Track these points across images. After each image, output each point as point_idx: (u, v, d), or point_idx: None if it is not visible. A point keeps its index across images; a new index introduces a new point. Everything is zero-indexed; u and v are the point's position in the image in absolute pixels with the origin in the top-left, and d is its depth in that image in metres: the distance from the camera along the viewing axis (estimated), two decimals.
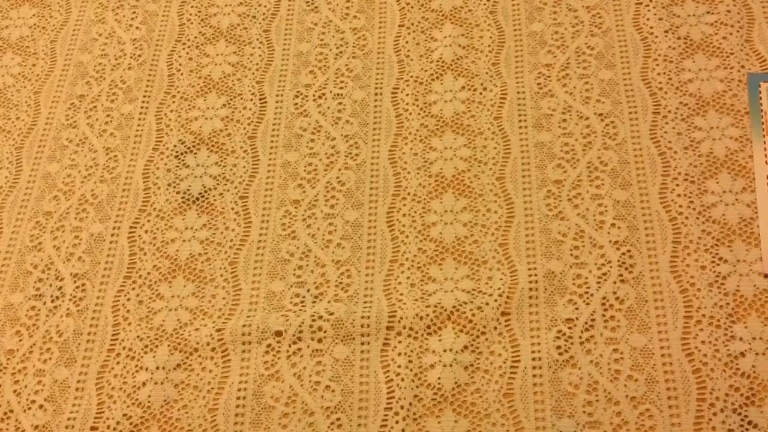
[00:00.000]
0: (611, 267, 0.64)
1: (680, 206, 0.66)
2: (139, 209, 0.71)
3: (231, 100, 0.77)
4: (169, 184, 0.72)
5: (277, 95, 0.76)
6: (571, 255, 0.65)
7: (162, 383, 0.62)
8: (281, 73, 0.78)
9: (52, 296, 0.67)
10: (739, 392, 0.58)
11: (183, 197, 0.71)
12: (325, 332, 0.63)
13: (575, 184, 0.68)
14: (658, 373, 0.59)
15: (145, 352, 0.64)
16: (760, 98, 0.70)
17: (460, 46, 0.77)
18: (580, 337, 0.61)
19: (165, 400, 0.61)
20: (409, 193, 0.70)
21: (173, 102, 0.77)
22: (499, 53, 0.76)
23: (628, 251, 0.64)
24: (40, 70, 0.80)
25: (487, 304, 0.63)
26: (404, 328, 0.63)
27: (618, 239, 0.65)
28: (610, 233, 0.65)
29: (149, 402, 0.61)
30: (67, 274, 0.68)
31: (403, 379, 0.61)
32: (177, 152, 0.74)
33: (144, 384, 0.62)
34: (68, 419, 0.61)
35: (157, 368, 0.63)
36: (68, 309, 0.66)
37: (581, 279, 0.63)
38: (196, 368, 0.63)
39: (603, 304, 0.62)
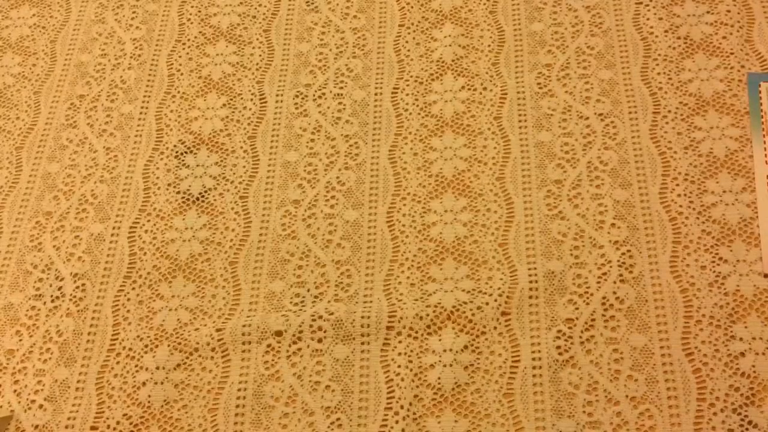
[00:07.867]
0: (611, 267, 0.64)
1: (680, 206, 0.66)
2: (139, 209, 0.71)
3: (231, 100, 0.77)
4: (169, 184, 0.72)
5: (277, 95, 0.76)
6: (571, 255, 0.65)
7: (162, 383, 0.62)
8: (281, 73, 0.78)
9: (52, 296, 0.67)
10: (739, 392, 0.58)
11: (183, 197, 0.71)
12: (325, 332, 0.63)
13: (575, 183, 0.68)
14: (658, 373, 0.59)
15: (145, 352, 0.64)
16: (760, 98, 0.70)
17: (460, 46, 0.77)
18: (580, 337, 0.61)
19: (165, 400, 0.61)
20: (409, 193, 0.70)
21: (173, 102, 0.77)
22: (499, 53, 0.76)
23: (628, 251, 0.64)
24: (40, 70, 0.80)
25: (487, 304, 0.63)
26: (404, 328, 0.63)
27: (618, 239, 0.65)
28: (610, 233, 0.65)
29: (149, 402, 0.61)
30: (67, 274, 0.68)
31: (403, 379, 0.61)
32: (177, 152, 0.74)
33: (144, 384, 0.62)
34: (68, 419, 0.61)
35: (157, 368, 0.63)
36: (68, 309, 0.66)
37: (581, 279, 0.63)
38: (196, 368, 0.63)
39: (603, 304, 0.62)
